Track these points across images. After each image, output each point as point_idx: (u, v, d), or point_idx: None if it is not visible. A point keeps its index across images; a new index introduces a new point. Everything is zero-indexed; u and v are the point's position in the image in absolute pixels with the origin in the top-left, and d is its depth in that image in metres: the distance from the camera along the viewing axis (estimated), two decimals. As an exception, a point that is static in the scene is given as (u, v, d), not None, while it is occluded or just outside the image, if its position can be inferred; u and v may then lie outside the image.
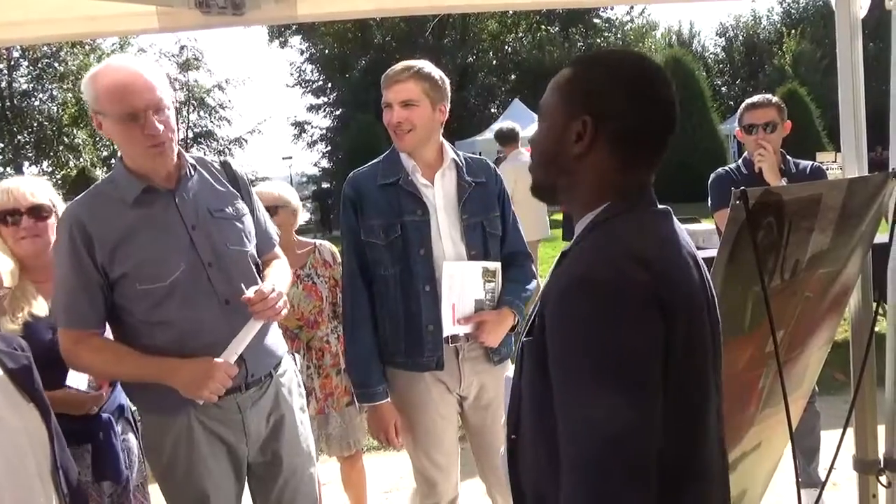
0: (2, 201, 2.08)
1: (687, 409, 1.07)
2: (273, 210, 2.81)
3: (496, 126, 6.57)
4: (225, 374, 1.79)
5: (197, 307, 1.85)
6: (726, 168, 3.09)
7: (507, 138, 6.41)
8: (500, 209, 2.32)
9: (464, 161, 2.28)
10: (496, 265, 2.25)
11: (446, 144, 2.27)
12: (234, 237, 1.95)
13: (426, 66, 2.17)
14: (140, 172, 1.85)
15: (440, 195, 2.21)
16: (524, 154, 6.33)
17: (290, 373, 2.11)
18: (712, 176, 3.05)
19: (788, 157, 2.96)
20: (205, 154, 2.30)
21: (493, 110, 28.84)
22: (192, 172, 1.93)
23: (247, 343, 1.87)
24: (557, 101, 1.15)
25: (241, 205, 2.01)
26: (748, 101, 3.01)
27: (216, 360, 1.80)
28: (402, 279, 2.16)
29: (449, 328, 2.15)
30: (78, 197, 1.89)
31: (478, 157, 2.45)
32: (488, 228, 2.26)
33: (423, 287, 2.15)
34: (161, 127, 1.76)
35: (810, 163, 3.03)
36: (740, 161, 3.06)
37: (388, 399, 2.22)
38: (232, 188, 2.01)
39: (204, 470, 1.91)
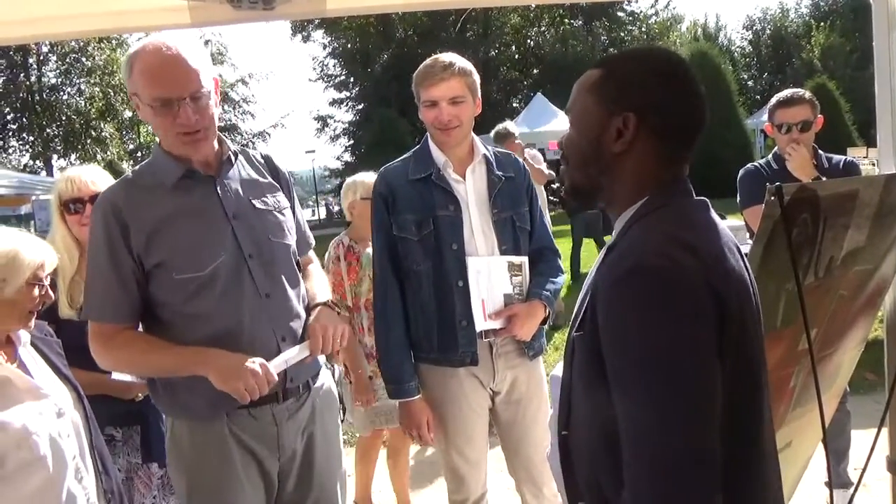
0: (66, 190, 2.17)
1: (745, 403, 1.07)
2: None
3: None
4: (265, 378, 1.64)
5: (237, 300, 1.74)
6: (756, 164, 3.03)
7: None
8: (528, 204, 2.32)
9: (493, 156, 2.28)
10: (522, 259, 2.25)
11: (476, 139, 2.28)
12: (276, 229, 1.85)
13: (461, 60, 2.17)
14: (179, 156, 1.76)
15: (472, 190, 2.21)
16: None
17: (328, 386, 1.99)
18: (742, 172, 3.00)
19: (821, 151, 2.90)
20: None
21: (514, 104, 28.73)
22: (234, 160, 1.85)
23: (297, 361, 1.76)
24: (591, 102, 1.15)
25: (283, 198, 1.92)
26: (780, 97, 2.90)
27: (262, 360, 1.67)
28: (434, 274, 2.16)
29: (481, 324, 2.15)
30: (113, 182, 1.81)
31: (505, 151, 2.44)
32: (518, 223, 2.27)
33: (455, 282, 2.15)
34: (196, 117, 1.67)
35: (843, 157, 2.97)
36: (770, 156, 3.00)
37: (420, 395, 2.22)
38: (273, 181, 1.93)
39: (237, 486, 1.77)
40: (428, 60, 2.19)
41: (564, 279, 2.41)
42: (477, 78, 2.20)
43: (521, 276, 2.23)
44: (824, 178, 2.74)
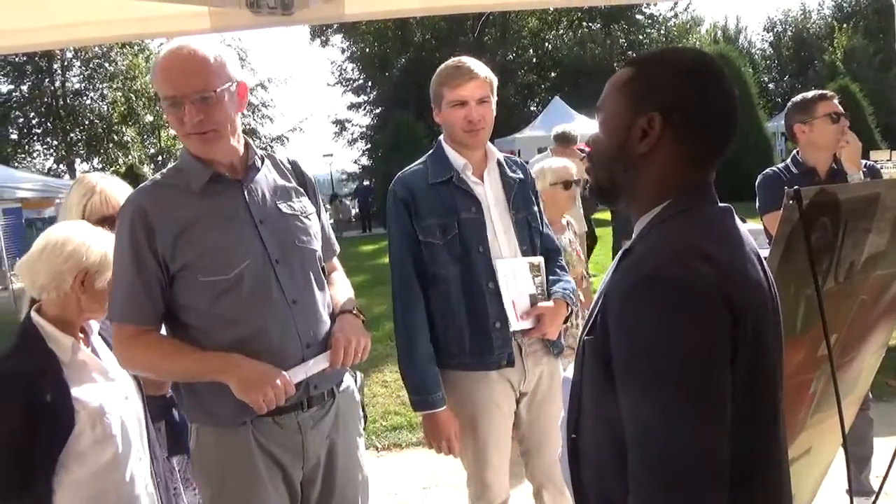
0: (100, 207, 2.18)
1: (758, 410, 1.06)
2: (568, 184, 3.29)
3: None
4: (283, 390, 1.65)
5: (264, 305, 1.73)
6: (775, 168, 3.00)
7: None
8: (536, 205, 2.36)
9: (503, 159, 2.31)
10: (539, 259, 2.27)
11: (488, 143, 2.29)
12: (303, 234, 1.85)
13: (481, 63, 2.20)
14: (206, 159, 1.76)
15: (490, 192, 2.22)
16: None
17: (352, 393, 1.98)
18: (760, 177, 2.96)
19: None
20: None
21: (532, 108, 28.69)
22: (260, 165, 1.84)
23: (316, 371, 1.76)
24: (620, 100, 1.15)
25: (308, 203, 1.92)
26: (814, 94, 2.88)
27: (283, 371, 1.68)
28: (462, 278, 2.15)
29: (514, 324, 2.16)
30: (141, 185, 1.81)
31: (510, 155, 2.47)
32: (532, 224, 2.30)
33: (486, 284, 2.15)
34: (200, 117, 1.66)
35: (864, 161, 2.93)
36: (790, 160, 2.97)
37: (446, 406, 2.16)
38: (299, 186, 1.93)
39: (263, 495, 1.76)
40: (451, 62, 2.19)
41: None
42: (496, 81, 2.22)
43: (540, 276, 2.25)
44: (866, 174, 2.73)
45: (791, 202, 1.49)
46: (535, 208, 2.33)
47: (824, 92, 2.88)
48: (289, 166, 1.95)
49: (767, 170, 3.01)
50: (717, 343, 0.98)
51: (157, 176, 1.83)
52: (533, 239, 2.28)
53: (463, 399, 2.19)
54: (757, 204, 2.94)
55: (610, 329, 1.04)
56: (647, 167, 1.13)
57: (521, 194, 2.28)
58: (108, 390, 1.80)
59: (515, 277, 2.17)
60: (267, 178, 1.86)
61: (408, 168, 2.28)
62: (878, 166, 3.12)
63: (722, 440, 0.97)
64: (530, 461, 2.34)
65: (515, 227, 2.23)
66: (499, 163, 2.28)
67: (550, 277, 2.30)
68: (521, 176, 2.32)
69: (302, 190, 1.93)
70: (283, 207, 1.84)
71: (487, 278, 2.15)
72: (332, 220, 26.95)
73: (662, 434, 0.96)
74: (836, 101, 2.84)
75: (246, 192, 1.79)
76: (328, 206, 25.35)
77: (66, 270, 1.74)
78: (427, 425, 2.19)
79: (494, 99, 2.21)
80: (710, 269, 1.00)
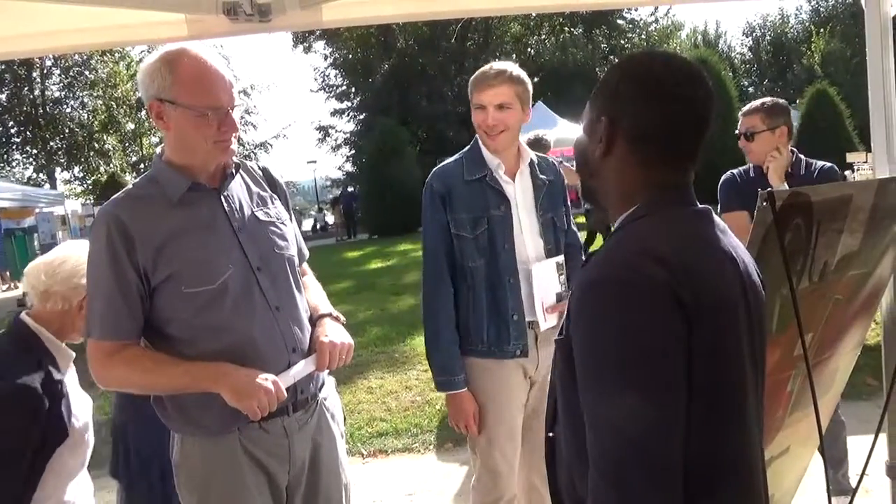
0: None
1: (721, 411, 1.06)
2: None
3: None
4: (275, 395, 1.65)
5: (248, 313, 1.73)
6: (734, 171, 3.09)
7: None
8: (563, 205, 2.47)
9: (535, 160, 2.41)
10: (562, 258, 2.42)
11: (523, 144, 2.39)
12: (280, 240, 1.85)
13: (516, 69, 2.27)
14: (186, 168, 1.74)
15: (520, 192, 2.34)
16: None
17: (333, 395, 2.00)
18: (722, 178, 3.06)
19: (801, 157, 2.91)
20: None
21: (516, 113, 28.77)
22: (235, 172, 1.84)
23: (304, 375, 1.77)
24: (588, 105, 1.19)
25: (282, 209, 1.93)
26: (746, 107, 3.02)
27: (274, 376, 1.68)
28: (487, 271, 2.28)
29: (544, 324, 2.30)
30: (114, 197, 1.76)
31: (544, 156, 2.56)
32: (558, 224, 2.42)
33: (508, 280, 2.28)
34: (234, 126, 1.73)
35: (822, 164, 2.94)
36: (751, 164, 3.03)
37: (467, 388, 2.28)
38: (272, 193, 1.94)
39: (249, 502, 1.75)
40: (486, 66, 2.29)
41: None
42: (529, 87, 2.30)
43: (563, 273, 2.39)
44: (787, 186, 2.77)
45: (764, 204, 1.52)
46: (563, 209, 2.45)
47: (749, 106, 2.98)
48: (260, 173, 1.95)
49: (728, 172, 3.09)
50: (664, 344, 0.99)
51: (130, 186, 1.80)
52: (557, 239, 2.41)
53: (482, 385, 2.29)
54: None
55: (570, 330, 1.06)
56: (607, 170, 1.16)
57: (549, 196, 2.39)
58: (87, 400, 1.89)
59: (547, 278, 2.31)
60: (241, 185, 1.86)
61: (444, 163, 2.38)
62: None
63: (672, 440, 0.98)
64: (536, 448, 2.36)
65: (541, 227, 2.35)
66: (530, 163, 2.38)
67: (572, 272, 2.41)
68: (552, 178, 2.43)
69: (275, 196, 1.94)
70: (260, 214, 1.84)
71: (509, 274, 2.27)
72: (332, 224, 26.16)
73: (611, 435, 0.98)
74: (750, 116, 2.92)
75: (224, 201, 1.78)
76: (329, 211, 25.22)
77: (80, 287, 1.79)
78: (451, 405, 2.32)
79: (524, 103, 2.28)
80: (661, 270, 1.00)
